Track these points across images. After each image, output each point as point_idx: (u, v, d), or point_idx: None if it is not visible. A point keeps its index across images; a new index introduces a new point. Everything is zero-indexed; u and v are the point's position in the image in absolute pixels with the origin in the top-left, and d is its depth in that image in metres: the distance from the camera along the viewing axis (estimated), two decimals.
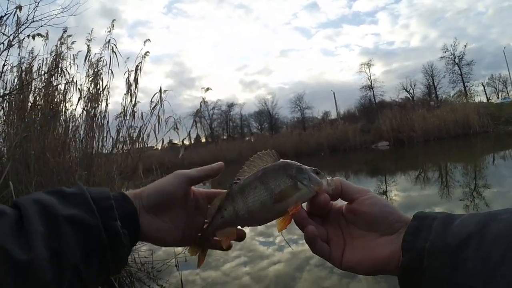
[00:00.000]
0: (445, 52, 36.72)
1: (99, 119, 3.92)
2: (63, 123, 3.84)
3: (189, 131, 4.17)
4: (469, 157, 12.58)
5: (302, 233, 0.55)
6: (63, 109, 3.86)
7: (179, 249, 4.09)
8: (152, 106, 3.94)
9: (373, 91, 39.41)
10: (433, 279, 0.45)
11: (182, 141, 4.19)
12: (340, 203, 0.59)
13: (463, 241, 0.44)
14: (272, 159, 0.59)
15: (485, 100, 36.12)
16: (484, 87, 39.10)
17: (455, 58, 36.30)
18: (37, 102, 3.67)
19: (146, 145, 4.13)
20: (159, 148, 5.57)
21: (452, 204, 5.67)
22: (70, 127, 3.89)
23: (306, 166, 0.58)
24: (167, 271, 3.78)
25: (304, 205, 0.58)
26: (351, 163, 17.57)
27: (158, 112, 3.91)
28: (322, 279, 3.58)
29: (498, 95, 38.75)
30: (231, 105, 43.59)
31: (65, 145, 3.69)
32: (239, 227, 0.61)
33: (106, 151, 3.97)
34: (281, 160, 0.59)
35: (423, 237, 0.47)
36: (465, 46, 36.33)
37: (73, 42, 4.06)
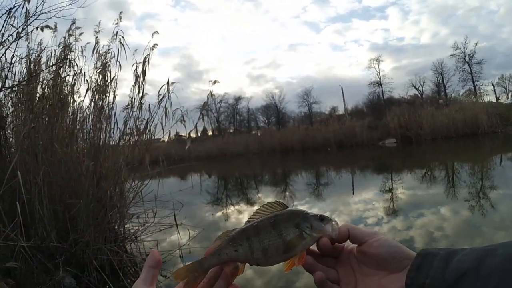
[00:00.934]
0: (456, 50, 36.08)
1: (107, 111, 3.94)
2: (71, 114, 3.88)
3: (196, 124, 4.18)
4: (477, 157, 12.46)
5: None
6: (71, 101, 3.90)
7: (184, 240, 4.14)
8: (159, 98, 3.95)
9: (382, 87, 38.97)
10: None
11: (189, 134, 4.20)
12: (352, 244, 0.63)
13: (460, 276, 0.47)
14: (280, 208, 0.63)
15: (494, 100, 35.52)
16: (494, 87, 38.36)
17: (465, 56, 35.68)
18: (45, 94, 3.70)
19: (153, 137, 4.15)
20: (166, 140, 5.61)
21: (457, 205, 5.63)
22: (78, 118, 3.91)
23: (311, 213, 0.62)
24: (171, 262, 3.82)
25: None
26: (357, 159, 17.52)
27: (165, 104, 3.92)
28: None
29: (508, 95, 38.06)
30: (238, 99, 43.50)
31: (73, 136, 3.72)
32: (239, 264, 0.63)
33: (113, 143, 4.00)
34: (288, 208, 0.63)
35: (424, 274, 0.50)
36: (476, 44, 35.68)
37: (81, 34, 4.08)
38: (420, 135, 21.21)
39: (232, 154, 27.82)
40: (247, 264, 0.62)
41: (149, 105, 4.04)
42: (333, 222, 0.61)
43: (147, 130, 4.05)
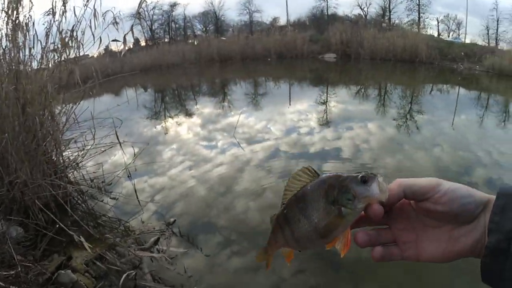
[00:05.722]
0: None
1: (24, 23, 3.38)
2: None
3: (132, 26, 3.59)
4: (410, 82, 13.13)
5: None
6: None
7: (128, 158, 3.96)
8: None
9: (327, 2, 38.06)
10: None
11: (124, 37, 3.70)
12: None
13: None
14: (309, 177, 0.52)
15: (436, 35, 36.94)
16: (438, 23, 39.47)
17: None
18: None
19: (81, 46, 3.61)
20: (95, 55, 5.12)
21: (385, 122, 6.17)
22: None
23: (349, 177, 0.49)
24: (118, 183, 3.82)
25: None
26: (296, 70, 17.85)
27: (94, 5, 3.41)
28: (261, 178, 3.93)
29: (449, 34, 39.64)
30: (173, 5, 39.61)
31: None
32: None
33: (36, 61, 3.52)
34: (320, 178, 0.51)
35: (511, 217, 0.42)
36: None
37: None
38: (359, 53, 21.57)
39: (168, 65, 26.35)
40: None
41: (74, 7, 3.48)
42: (379, 179, 0.48)
43: (74, 38, 3.52)
